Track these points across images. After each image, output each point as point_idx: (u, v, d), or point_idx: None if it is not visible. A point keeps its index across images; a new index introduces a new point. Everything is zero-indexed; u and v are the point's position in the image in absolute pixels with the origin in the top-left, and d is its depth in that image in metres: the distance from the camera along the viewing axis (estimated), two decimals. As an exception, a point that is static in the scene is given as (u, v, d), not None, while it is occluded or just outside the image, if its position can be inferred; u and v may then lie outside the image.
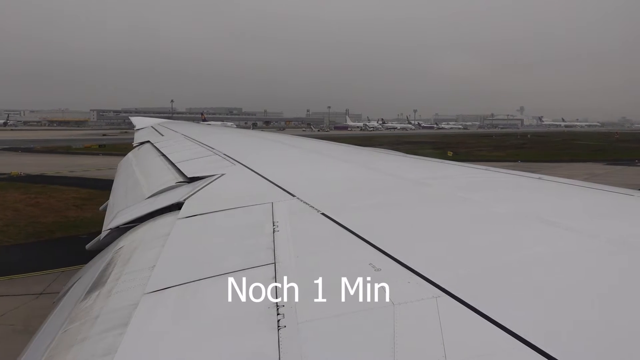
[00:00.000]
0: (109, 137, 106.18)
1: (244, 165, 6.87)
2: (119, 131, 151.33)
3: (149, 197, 6.01)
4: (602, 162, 54.90)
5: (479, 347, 1.81)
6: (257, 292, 2.49)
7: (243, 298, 2.50)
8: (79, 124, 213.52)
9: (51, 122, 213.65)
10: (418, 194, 4.56)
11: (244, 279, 2.71)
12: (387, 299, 2.20)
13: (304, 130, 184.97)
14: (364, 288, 2.36)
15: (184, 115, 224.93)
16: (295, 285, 2.50)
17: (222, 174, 6.21)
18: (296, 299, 2.33)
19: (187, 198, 5.00)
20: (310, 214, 3.85)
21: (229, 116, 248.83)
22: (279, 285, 2.52)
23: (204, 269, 2.94)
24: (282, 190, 4.79)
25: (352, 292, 2.36)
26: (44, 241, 20.22)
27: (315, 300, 2.34)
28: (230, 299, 2.52)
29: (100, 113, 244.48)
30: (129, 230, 4.76)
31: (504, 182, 5.05)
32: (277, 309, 2.25)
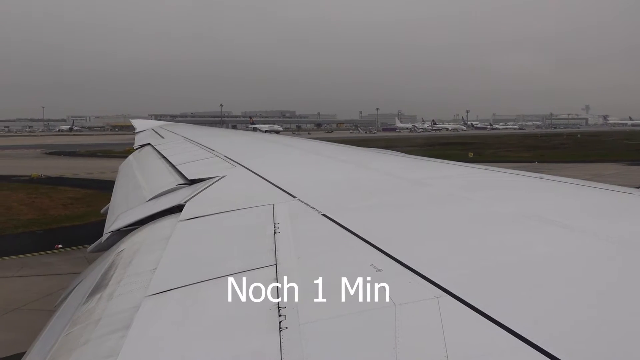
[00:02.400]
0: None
1: (245, 167, 6.87)
2: None
3: (149, 200, 6.01)
4: (624, 162, 54.30)
5: (480, 346, 1.81)
6: (258, 294, 2.49)
7: (244, 300, 2.50)
8: None
9: (113, 127, 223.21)
10: (418, 194, 4.56)
11: (245, 280, 2.71)
12: (388, 300, 2.20)
13: (351, 132, 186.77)
14: (365, 289, 2.36)
15: (238, 119, 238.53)
16: (296, 286, 2.50)
17: (223, 176, 6.21)
18: (298, 300, 2.33)
19: (188, 200, 5.00)
20: (311, 215, 3.85)
21: (280, 119, 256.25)
22: (280, 286, 2.52)
23: (206, 271, 2.95)
24: (282, 192, 4.79)
25: (353, 292, 2.36)
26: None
27: (317, 301, 2.34)
28: (231, 301, 2.52)
29: (157, 118, 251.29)
30: (130, 232, 4.77)
31: (503, 182, 5.05)
32: (279, 310, 2.25)
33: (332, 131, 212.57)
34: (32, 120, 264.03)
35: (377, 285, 2.35)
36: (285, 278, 2.61)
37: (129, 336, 2.28)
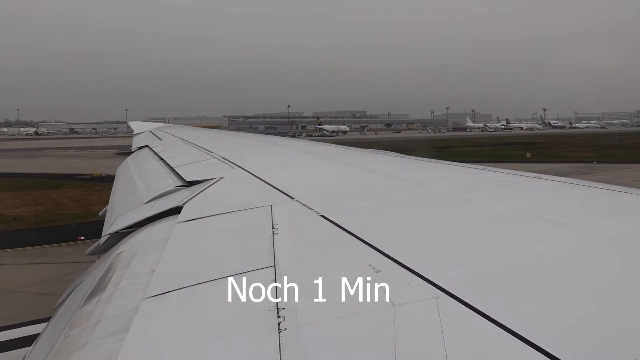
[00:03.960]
0: None
1: (243, 169, 6.87)
2: None
3: (148, 202, 6.00)
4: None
5: (480, 346, 1.81)
6: (257, 295, 2.49)
7: (243, 301, 2.49)
8: (213, 129, 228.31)
9: None
10: (417, 194, 4.56)
11: (244, 282, 2.71)
12: (388, 300, 2.20)
13: (419, 132, 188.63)
14: (364, 289, 2.36)
15: (308, 119, 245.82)
16: (295, 287, 2.50)
17: (221, 178, 6.21)
18: (296, 301, 2.33)
19: (186, 202, 4.99)
20: (309, 216, 3.85)
21: (350, 119, 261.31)
22: (279, 287, 2.52)
23: (204, 272, 2.94)
24: (281, 193, 4.79)
25: (352, 293, 2.36)
26: (34, 228, 25.50)
27: (316, 302, 2.34)
28: (230, 302, 2.52)
29: (231, 119, 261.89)
30: (128, 235, 4.76)
31: (501, 182, 5.06)
32: (278, 312, 2.25)
33: (400, 131, 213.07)
34: (116, 122, 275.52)
35: (376, 286, 2.35)
36: (284, 279, 2.61)
37: (127, 339, 2.28)
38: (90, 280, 3.76)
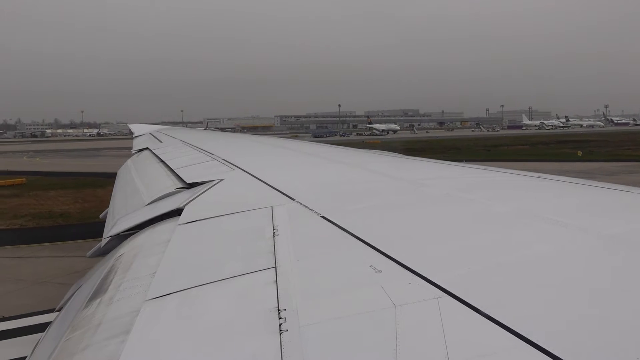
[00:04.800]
0: None
1: (243, 170, 6.87)
2: (290, 135, 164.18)
3: (148, 204, 6.00)
4: None
5: (481, 346, 1.81)
6: (258, 297, 2.49)
7: (244, 303, 2.50)
8: (265, 129, 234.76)
9: (243, 128, 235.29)
10: (417, 194, 4.56)
11: (244, 283, 2.71)
12: (389, 301, 2.20)
13: (472, 131, 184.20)
14: (365, 290, 2.36)
15: (359, 119, 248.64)
16: (296, 288, 2.50)
17: (222, 179, 6.21)
18: (297, 303, 2.33)
19: (186, 204, 5.00)
20: (310, 217, 3.85)
21: (402, 118, 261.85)
22: (280, 289, 2.52)
23: (205, 274, 2.94)
24: (281, 194, 4.79)
25: (353, 294, 2.36)
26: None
27: (317, 303, 2.34)
28: (231, 304, 2.52)
29: (283, 119, 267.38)
30: (129, 237, 4.76)
31: (502, 182, 5.06)
32: (279, 313, 2.25)
33: (452, 129, 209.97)
34: (173, 123, 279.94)
35: (377, 287, 2.35)
36: (284, 280, 2.61)
37: (129, 341, 2.28)
38: (92, 283, 3.76)
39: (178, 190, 6.24)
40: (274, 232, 3.51)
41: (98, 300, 3.13)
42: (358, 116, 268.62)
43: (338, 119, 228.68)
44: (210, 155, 9.33)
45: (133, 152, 15.63)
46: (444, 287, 2.24)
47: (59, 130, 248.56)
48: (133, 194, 7.69)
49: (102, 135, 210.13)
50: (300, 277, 2.65)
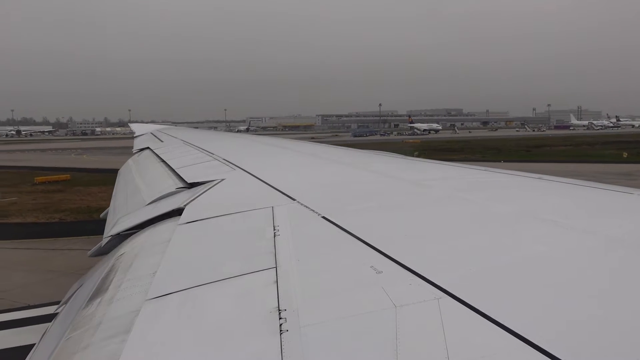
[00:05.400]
0: (315, 140, 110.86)
1: (244, 170, 6.87)
2: (330, 134, 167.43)
3: (149, 204, 6.01)
4: None
5: (481, 347, 1.81)
6: (258, 297, 2.49)
7: (245, 303, 2.50)
8: (307, 128, 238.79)
9: (284, 127, 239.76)
10: (418, 195, 4.56)
11: (245, 283, 2.71)
12: (389, 301, 2.20)
13: (517, 131, 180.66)
14: (365, 290, 2.36)
15: (401, 118, 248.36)
16: (296, 289, 2.50)
17: (222, 179, 6.21)
18: (298, 303, 2.33)
19: (187, 204, 5.00)
20: (310, 217, 3.85)
21: (445, 117, 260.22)
22: (280, 289, 2.52)
23: (205, 274, 2.94)
24: (282, 195, 4.79)
25: (353, 295, 2.36)
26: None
27: (317, 303, 2.34)
28: (231, 304, 2.52)
29: (324, 118, 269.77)
30: (130, 236, 4.77)
31: (503, 183, 5.06)
32: (279, 313, 2.25)
33: (496, 129, 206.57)
34: (216, 122, 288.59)
35: (377, 287, 2.35)
36: (285, 281, 2.61)
37: (129, 340, 2.28)
38: (92, 282, 3.77)
39: (179, 190, 6.24)
40: (274, 232, 3.51)
41: (99, 300, 3.14)
42: (400, 115, 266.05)
43: (379, 118, 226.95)
44: (211, 155, 9.34)
45: (134, 151, 15.64)
46: (445, 287, 2.25)
47: (108, 129, 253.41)
48: (134, 194, 7.69)
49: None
50: (301, 278, 2.65)
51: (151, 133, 21.12)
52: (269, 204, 4.41)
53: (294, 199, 4.49)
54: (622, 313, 1.97)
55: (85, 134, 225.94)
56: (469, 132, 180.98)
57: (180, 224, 4.25)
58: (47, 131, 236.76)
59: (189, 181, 6.59)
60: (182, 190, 6.17)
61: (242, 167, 7.18)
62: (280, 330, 2.09)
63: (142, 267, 3.47)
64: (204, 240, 3.87)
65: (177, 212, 4.82)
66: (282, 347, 1.97)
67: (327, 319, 2.16)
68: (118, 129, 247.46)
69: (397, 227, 3.50)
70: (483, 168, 5.97)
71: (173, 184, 6.87)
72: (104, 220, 7.29)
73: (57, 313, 3.93)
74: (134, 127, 28.19)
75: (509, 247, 2.85)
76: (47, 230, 25.63)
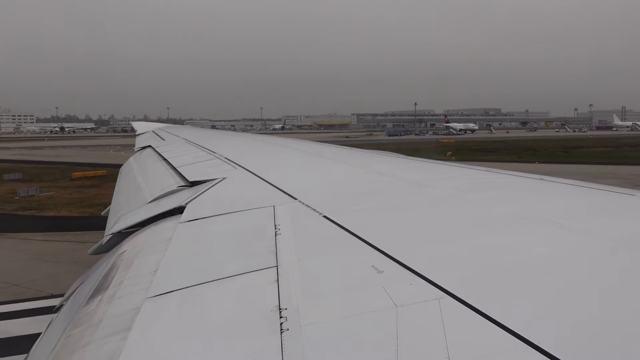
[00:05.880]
0: (350, 139, 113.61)
1: (245, 169, 6.87)
2: (365, 133, 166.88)
3: (150, 202, 6.01)
4: None
5: (482, 348, 1.81)
6: (259, 296, 2.49)
7: (245, 301, 2.50)
8: (342, 127, 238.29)
9: (320, 126, 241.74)
10: (420, 195, 4.56)
11: (246, 282, 2.71)
12: (390, 301, 2.19)
13: (557, 132, 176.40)
14: (366, 290, 2.36)
15: (437, 117, 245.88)
16: (297, 288, 2.50)
17: (224, 178, 6.21)
18: (299, 302, 2.33)
19: (188, 202, 5.00)
20: (312, 216, 3.85)
21: (482, 117, 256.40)
22: (281, 288, 2.52)
23: (206, 272, 2.94)
24: (283, 194, 4.79)
25: (354, 294, 2.36)
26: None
27: (318, 302, 2.34)
28: (232, 303, 2.52)
29: (360, 117, 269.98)
30: (131, 234, 4.77)
31: (505, 183, 5.05)
32: (280, 312, 2.25)
33: (535, 129, 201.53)
34: (252, 120, 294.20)
35: (378, 287, 2.35)
36: (286, 280, 2.61)
37: (130, 338, 2.28)
38: (93, 280, 3.77)
39: (180, 189, 6.25)
40: (275, 231, 3.51)
41: (99, 297, 3.14)
42: (437, 115, 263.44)
43: (414, 117, 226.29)
44: (213, 154, 9.34)
45: (136, 149, 15.64)
46: (446, 288, 2.24)
47: None
48: (135, 192, 7.70)
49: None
50: (302, 277, 2.65)
51: (153, 131, 21.11)
52: (270, 202, 4.41)
53: (295, 198, 4.49)
54: (625, 315, 1.96)
55: (125, 131, 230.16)
56: (507, 132, 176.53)
57: (181, 223, 4.25)
58: (89, 128, 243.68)
59: (190, 180, 6.59)
60: (184, 189, 6.17)
61: (243, 166, 7.18)
62: (281, 329, 2.09)
63: (143, 265, 3.47)
64: (205, 239, 3.87)
65: (179, 210, 4.82)
66: (283, 346, 1.97)
67: (327, 318, 2.16)
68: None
69: (399, 227, 3.50)
70: (485, 169, 5.96)
71: (174, 182, 6.88)
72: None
73: (58, 310, 3.93)
74: (135, 125, 28.21)
75: (510, 247, 2.84)
76: (79, 223, 26.83)
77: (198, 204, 4.94)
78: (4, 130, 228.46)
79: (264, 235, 3.49)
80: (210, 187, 5.71)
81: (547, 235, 2.97)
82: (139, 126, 26.42)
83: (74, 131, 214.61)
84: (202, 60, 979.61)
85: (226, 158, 8.30)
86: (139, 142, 17.41)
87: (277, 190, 5.01)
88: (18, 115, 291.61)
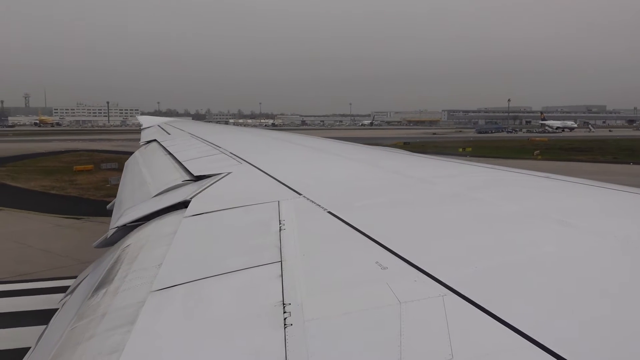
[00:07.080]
0: (437, 135, 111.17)
1: (251, 164, 6.88)
2: (454, 130, 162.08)
3: (155, 196, 6.03)
4: None
5: (486, 346, 1.80)
6: (263, 290, 2.49)
7: (249, 296, 2.50)
8: (432, 123, 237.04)
9: (409, 122, 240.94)
10: (424, 192, 4.54)
11: (250, 277, 2.72)
12: (394, 298, 2.19)
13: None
14: (370, 286, 2.36)
15: (533, 114, 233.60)
16: (301, 283, 2.50)
17: (229, 173, 6.22)
18: (302, 297, 2.33)
19: (193, 196, 5.01)
20: (316, 212, 3.84)
21: (585, 114, 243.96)
22: (285, 283, 2.52)
23: (211, 267, 2.95)
24: (288, 189, 4.79)
25: (358, 290, 2.36)
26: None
27: (322, 298, 2.34)
28: (236, 297, 2.52)
29: (450, 113, 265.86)
30: (136, 228, 4.78)
31: (511, 181, 5.03)
32: (284, 307, 2.25)
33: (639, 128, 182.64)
34: (342, 115, 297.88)
35: (382, 283, 2.34)
36: (290, 275, 2.61)
37: (134, 331, 2.29)
38: (98, 273, 3.78)
39: (185, 183, 6.26)
40: (280, 227, 3.51)
41: (104, 291, 3.15)
42: (534, 112, 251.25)
43: (508, 114, 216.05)
44: (218, 148, 9.35)
45: (141, 143, 15.68)
46: (450, 285, 2.24)
47: (240, 120, 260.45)
48: (140, 186, 7.72)
49: (276, 125, 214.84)
50: (306, 272, 2.65)
51: (158, 125, 21.18)
52: (275, 198, 4.41)
53: (300, 194, 4.49)
54: (632, 315, 1.95)
55: (219, 123, 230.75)
56: (609, 130, 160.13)
57: (186, 217, 4.26)
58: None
59: (195, 174, 6.60)
60: (189, 183, 6.19)
61: (249, 161, 7.18)
62: (285, 324, 2.09)
63: (148, 259, 3.48)
64: (209, 233, 3.87)
65: (183, 204, 4.83)
66: (286, 340, 1.97)
67: (331, 313, 2.16)
68: (249, 120, 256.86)
69: (403, 223, 3.49)
70: (490, 166, 5.94)
71: (179, 176, 6.89)
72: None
73: (63, 303, 3.95)
74: (141, 119, 28.27)
75: (515, 245, 2.83)
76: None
77: (203, 199, 4.95)
78: (111, 123, 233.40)
79: (268, 230, 3.49)
80: (215, 182, 5.72)
81: (553, 233, 2.95)
82: (144, 120, 26.48)
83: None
84: (292, 59, 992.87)
85: (231, 153, 8.31)
86: (145, 136, 17.45)
87: (282, 186, 5.01)
88: (125, 109, 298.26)
